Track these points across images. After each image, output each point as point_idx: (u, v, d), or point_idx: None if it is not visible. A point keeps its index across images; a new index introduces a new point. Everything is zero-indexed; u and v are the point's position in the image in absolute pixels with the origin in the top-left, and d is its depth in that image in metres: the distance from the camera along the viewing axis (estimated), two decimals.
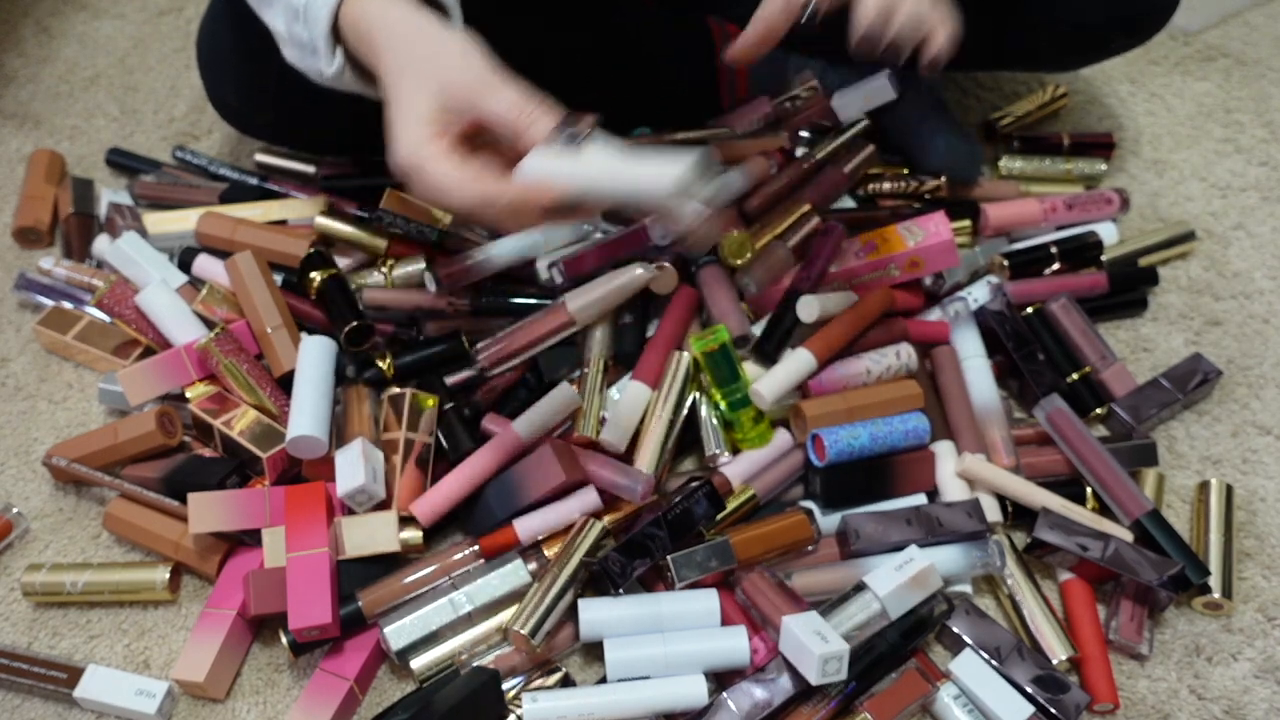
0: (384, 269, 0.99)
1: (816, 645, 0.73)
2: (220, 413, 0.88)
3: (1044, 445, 0.92)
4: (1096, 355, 0.97)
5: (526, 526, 0.84)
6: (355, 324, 0.91)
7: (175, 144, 1.18)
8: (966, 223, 1.06)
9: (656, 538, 0.81)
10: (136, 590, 0.84)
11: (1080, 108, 1.24)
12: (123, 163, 1.16)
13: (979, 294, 1.01)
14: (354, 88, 0.76)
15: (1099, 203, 1.09)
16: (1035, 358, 0.95)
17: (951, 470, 0.89)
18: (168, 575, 0.84)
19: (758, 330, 0.94)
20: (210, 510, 0.83)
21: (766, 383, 0.88)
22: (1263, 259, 1.10)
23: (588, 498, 0.84)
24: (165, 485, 0.87)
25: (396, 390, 0.89)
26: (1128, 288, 1.04)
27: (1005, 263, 1.03)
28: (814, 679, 0.73)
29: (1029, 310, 0.99)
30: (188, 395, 0.90)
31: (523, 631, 0.77)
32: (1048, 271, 1.05)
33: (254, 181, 1.12)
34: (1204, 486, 0.90)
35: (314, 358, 0.90)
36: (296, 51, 0.76)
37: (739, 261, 0.96)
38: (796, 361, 0.89)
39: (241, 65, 0.98)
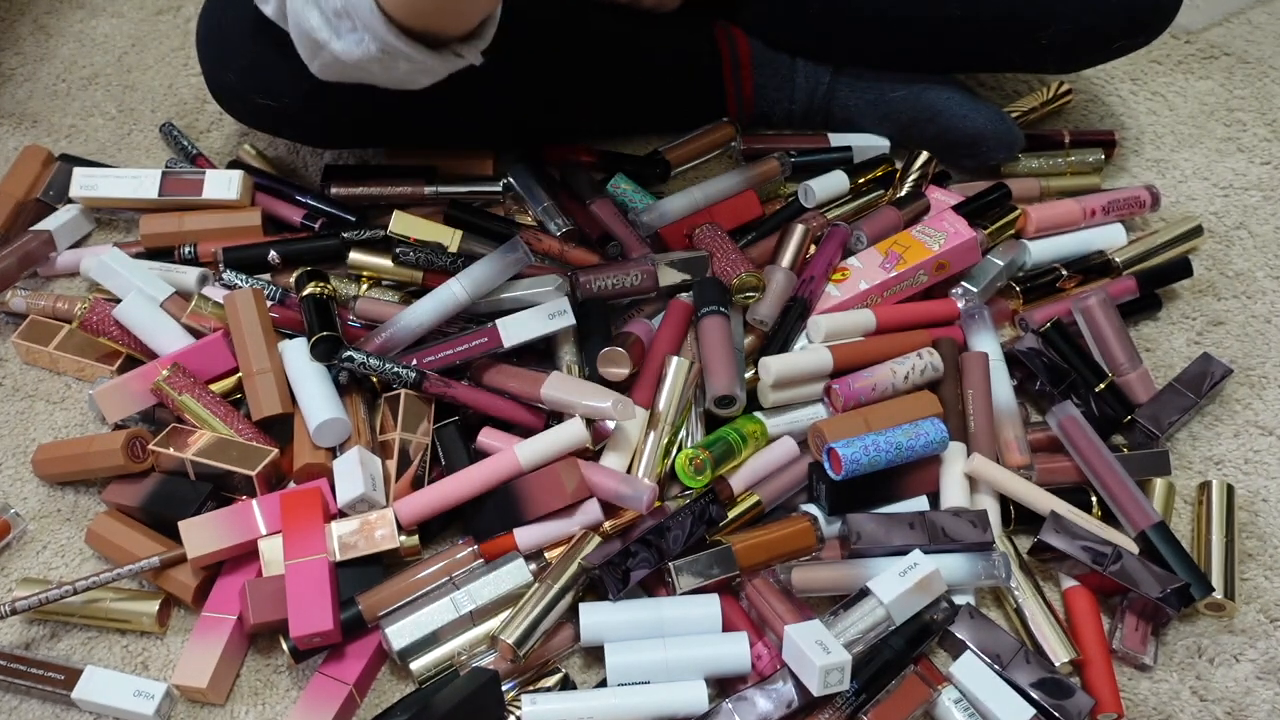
0: (361, 290, 1.00)
1: (818, 656, 0.73)
2: (183, 444, 0.87)
3: (1054, 452, 0.91)
4: (1127, 357, 0.95)
5: (526, 536, 0.83)
6: (323, 334, 0.89)
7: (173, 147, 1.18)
8: (1009, 217, 1.04)
9: (658, 545, 0.80)
10: (125, 620, 0.83)
11: (1082, 106, 1.23)
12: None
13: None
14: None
15: (1133, 204, 1.08)
16: (1073, 389, 0.93)
17: (958, 473, 0.88)
18: (156, 609, 0.82)
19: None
20: (203, 534, 0.82)
21: (778, 360, 0.88)
22: (1265, 258, 1.10)
23: (590, 511, 0.84)
24: (144, 514, 0.87)
25: (392, 393, 0.89)
26: (1156, 286, 1.03)
27: (1018, 289, 1.01)
28: (815, 690, 0.73)
29: (1048, 325, 0.96)
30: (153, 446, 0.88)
31: (509, 641, 0.77)
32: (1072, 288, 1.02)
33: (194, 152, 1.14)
34: (1205, 487, 0.90)
35: (304, 355, 0.90)
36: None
37: (752, 299, 0.95)
38: (813, 353, 0.89)
39: (247, 40, 0.97)
